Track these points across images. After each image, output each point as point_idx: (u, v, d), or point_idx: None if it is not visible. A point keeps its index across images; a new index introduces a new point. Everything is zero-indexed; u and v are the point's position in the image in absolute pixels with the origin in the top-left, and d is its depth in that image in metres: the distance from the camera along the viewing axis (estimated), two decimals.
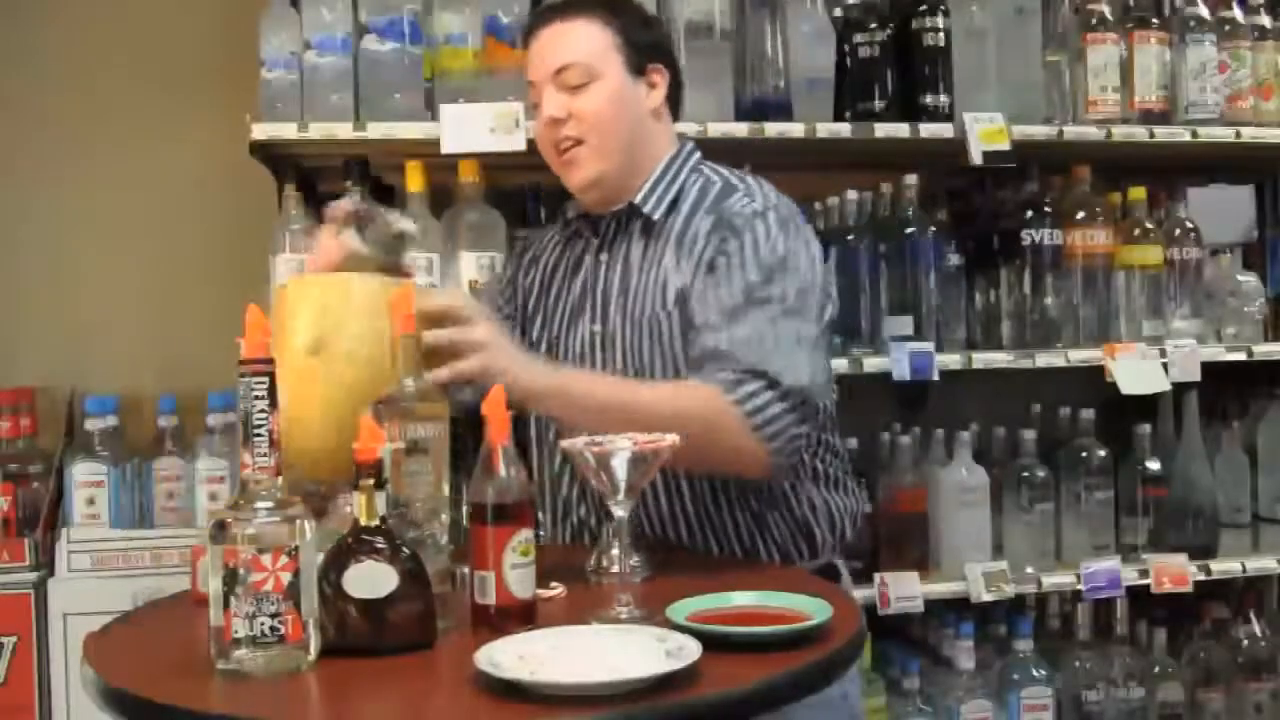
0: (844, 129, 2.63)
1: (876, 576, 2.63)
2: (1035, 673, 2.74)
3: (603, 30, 1.93)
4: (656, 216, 1.94)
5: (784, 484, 1.94)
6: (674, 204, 1.95)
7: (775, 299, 1.81)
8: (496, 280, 2.20)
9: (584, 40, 1.92)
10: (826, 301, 1.92)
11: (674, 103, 2.03)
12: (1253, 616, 2.96)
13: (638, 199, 1.95)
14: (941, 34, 2.67)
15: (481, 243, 2.51)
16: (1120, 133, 2.77)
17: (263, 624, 1.32)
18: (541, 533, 1.97)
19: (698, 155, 2.03)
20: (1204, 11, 2.88)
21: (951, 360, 2.65)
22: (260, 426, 1.35)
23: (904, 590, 2.61)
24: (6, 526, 2.58)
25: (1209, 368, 2.79)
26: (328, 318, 1.60)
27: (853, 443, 2.73)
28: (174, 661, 1.41)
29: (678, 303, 1.88)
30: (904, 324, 2.64)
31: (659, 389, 1.83)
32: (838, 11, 2.71)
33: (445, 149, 2.41)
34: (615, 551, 1.63)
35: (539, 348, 2.03)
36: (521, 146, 2.41)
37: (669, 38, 2.06)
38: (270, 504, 1.34)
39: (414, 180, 2.49)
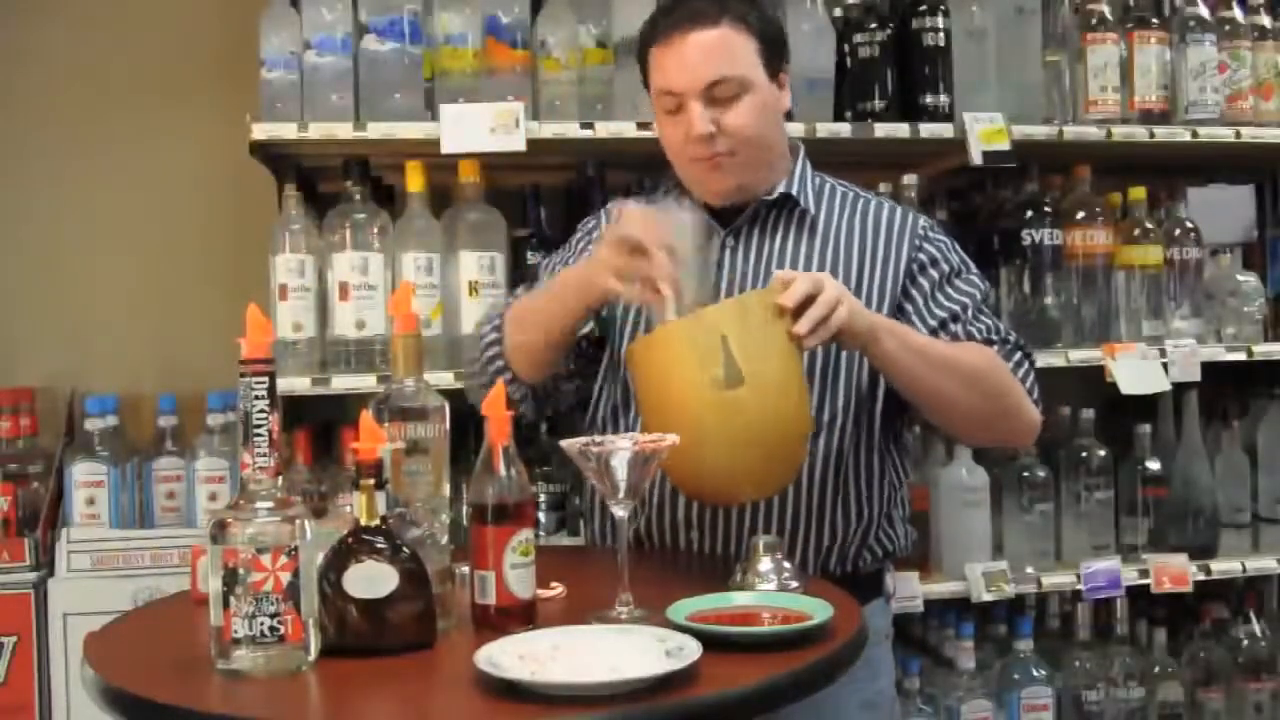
0: (844, 129, 2.63)
1: None
2: (1035, 673, 2.74)
3: (747, 38, 1.87)
4: (812, 209, 1.96)
5: (890, 484, 1.97)
6: (818, 201, 1.98)
7: (990, 301, 1.99)
8: (567, 250, 2.12)
9: (734, 51, 1.86)
10: None
11: None
12: (1253, 616, 2.96)
13: (793, 189, 1.96)
14: (941, 34, 2.67)
15: (481, 243, 2.52)
16: (1120, 133, 2.77)
17: (262, 624, 1.32)
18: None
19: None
20: (1204, 11, 2.88)
21: None
22: (260, 426, 1.35)
23: (904, 590, 2.60)
24: (6, 526, 2.58)
25: (1209, 368, 2.79)
26: (734, 347, 1.62)
27: None
28: (174, 661, 1.41)
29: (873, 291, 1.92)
30: None
31: (952, 344, 1.89)
32: (838, 11, 2.71)
33: (445, 149, 2.41)
34: (763, 567, 1.62)
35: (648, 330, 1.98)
36: (521, 146, 2.41)
37: (784, 31, 2.01)
38: (270, 504, 1.35)
39: (414, 180, 2.49)
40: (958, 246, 2.01)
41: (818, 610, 1.44)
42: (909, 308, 1.92)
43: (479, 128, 2.41)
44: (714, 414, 1.60)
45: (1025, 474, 2.78)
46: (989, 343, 1.91)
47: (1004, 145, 2.62)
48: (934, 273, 1.94)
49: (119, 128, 2.93)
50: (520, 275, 2.57)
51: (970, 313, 1.92)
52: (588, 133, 2.51)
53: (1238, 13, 2.92)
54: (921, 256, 1.95)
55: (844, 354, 1.88)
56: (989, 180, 2.87)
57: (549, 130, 2.49)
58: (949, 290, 1.94)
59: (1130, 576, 2.76)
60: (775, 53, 1.92)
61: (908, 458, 2.08)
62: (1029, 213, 2.76)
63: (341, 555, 1.40)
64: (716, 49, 1.86)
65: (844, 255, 1.94)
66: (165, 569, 2.51)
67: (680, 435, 1.56)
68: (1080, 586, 2.73)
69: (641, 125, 2.49)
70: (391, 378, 1.56)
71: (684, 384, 1.62)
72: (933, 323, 1.91)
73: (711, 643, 1.33)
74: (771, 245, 1.96)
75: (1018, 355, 1.92)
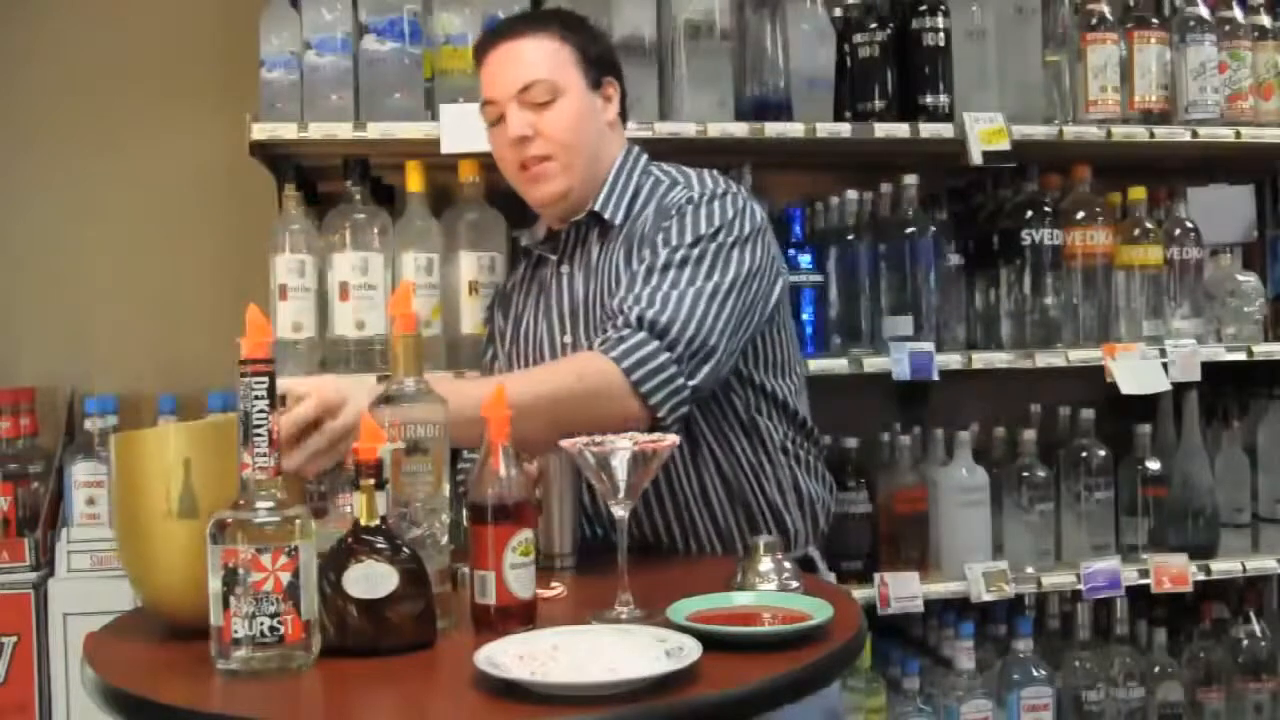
0: (844, 129, 2.63)
1: (876, 576, 2.62)
2: (1035, 673, 2.74)
3: (560, 46, 1.95)
4: (617, 220, 1.97)
5: (759, 467, 1.95)
6: (630, 206, 1.98)
7: (689, 261, 1.82)
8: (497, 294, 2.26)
9: (545, 56, 1.94)
10: (763, 261, 1.89)
11: (622, 112, 2.07)
12: (1253, 616, 2.96)
13: (597, 205, 1.98)
14: (941, 34, 2.67)
15: (481, 243, 2.52)
16: (1120, 133, 2.77)
17: (262, 624, 1.32)
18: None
19: (646, 157, 2.06)
20: (1204, 11, 2.88)
21: (951, 360, 2.65)
22: (260, 426, 1.35)
23: (904, 590, 2.61)
24: (6, 526, 2.58)
25: (1209, 368, 2.79)
26: (196, 475, 1.45)
27: (853, 443, 2.73)
28: (174, 661, 1.41)
29: None
30: (904, 324, 2.64)
31: (530, 373, 1.86)
32: (838, 11, 2.72)
33: (445, 149, 2.41)
34: (763, 567, 1.62)
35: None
36: None
37: (614, 50, 2.10)
38: (270, 504, 1.34)
39: (414, 180, 2.49)
40: (705, 217, 1.87)
41: (818, 610, 1.44)
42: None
43: (479, 128, 2.40)
44: (164, 544, 1.45)
45: (1025, 474, 2.77)
46: (611, 320, 1.80)
47: (1004, 145, 2.62)
48: (647, 257, 1.86)
49: (119, 127, 2.93)
50: None
51: (640, 277, 1.83)
52: None
53: (1238, 13, 2.92)
54: (658, 234, 1.88)
55: None
56: (989, 180, 2.87)
57: None
58: (639, 266, 1.85)
59: (1130, 576, 2.76)
60: (598, 65, 1.98)
61: (797, 440, 2.01)
62: (1029, 213, 2.76)
63: (341, 555, 1.40)
64: (529, 55, 1.94)
65: (621, 256, 1.93)
66: None
67: (131, 553, 1.50)
68: (1080, 586, 2.73)
69: (640, 125, 2.49)
70: (392, 378, 1.56)
71: (138, 501, 1.47)
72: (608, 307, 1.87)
73: (711, 643, 1.33)
74: (588, 260, 1.99)
75: (635, 338, 1.75)
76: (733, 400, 1.94)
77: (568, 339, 1.98)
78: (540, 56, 1.95)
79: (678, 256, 1.83)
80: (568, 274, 2.02)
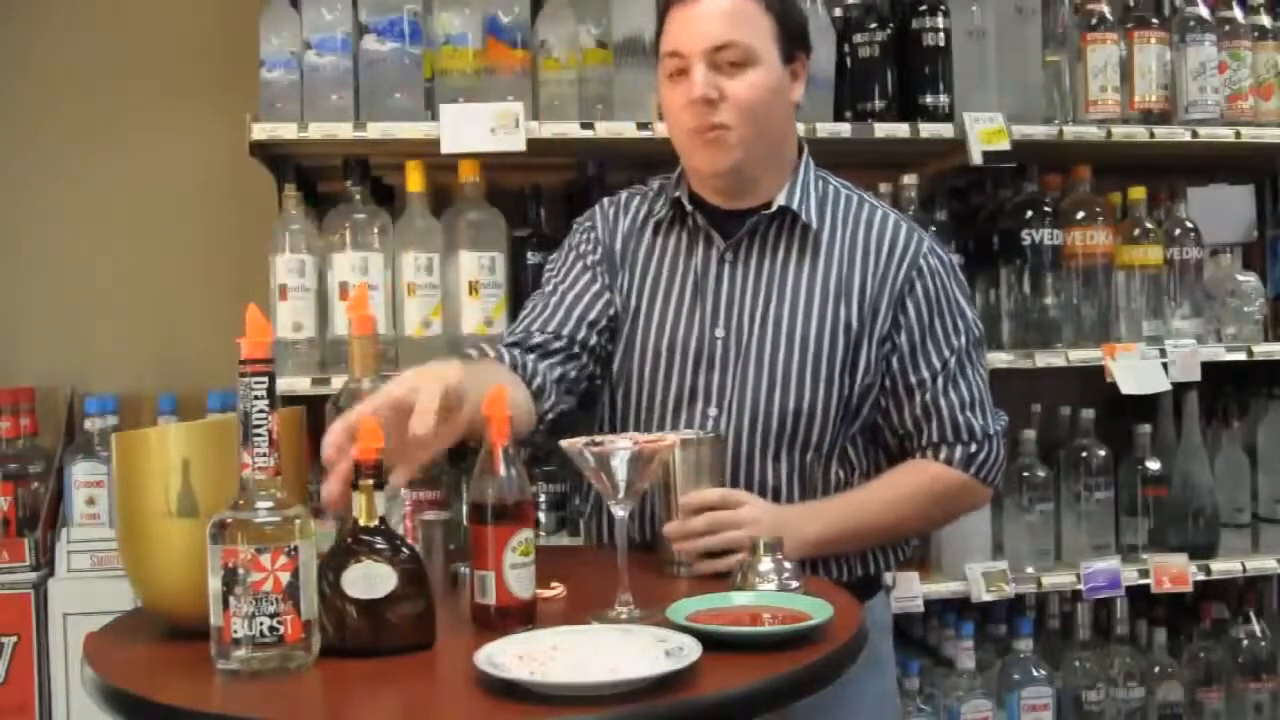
0: (844, 129, 2.63)
1: None
2: (1035, 673, 2.74)
3: (764, 13, 1.84)
4: (813, 222, 1.89)
5: None
6: (821, 212, 1.91)
7: (973, 350, 1.93)
8: (565, 251, 2.02)
9: (747, 20, 1.82)
10: None
11: None
12: (1253, 616, 2.96)
13: (794, 204, 1.89)
14: (941, 34, 2.67)
15: (481, 243, 2.52)
16: (1120, 133, 2.77)
17: (262, 624, 1.32)
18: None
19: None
20: (1204, 11, 2.88)
21: None
22: (260, 426, 1.34)
23: (904, 590, 2.61)
24: (6, 526, 2.58)
25: (1209, 368, 2.79)
26: (196, 475, 1.44)
27: None
28: (174, 661, 1.41)
29: (844, 326, 1.86)
30: None
31: (892, 490, 1.88)
32: (838, 11, 2.72)
33: (445, 149, 2.41)
34: (763, 567, 1.60)
35: (644, 351, 1.92)
36: (521, 147, 2.42)
37: (808, 26, 1.95)
38: (270, 504, 1.34)
39: (414, 180, 2.49)
40: (954, 268, 1.96)
41: (818, 610, 1.44)
42: (892, 360, 1.88)
43: (479, 128, 2.41)
44: (164, 544, 1.45)
45: (1025, 474, 2.78)
46: (945, 435, 1.88)
47: (1004, 145, 2.62)
48: (919, 321, 1.88)
49: (119, 127, 2.93)
50: (520, 275, 2.58)
51: (941, 382, 1.88)
52: (588, 133, 2.51)
53: (1238, 13, 2.92)
54: (917, 290, 1.88)
55: (807, 368, 1.84)
56: (989, 180, 2.87)
57: (549, 130, 2.49)
58: (929, 348, 1.88)
59: (1130, 576, 2.76)
60: (793, 39, 1.87)
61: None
62: (1029, 213, 2.76)
63: (340, 555, 1.40)
64: (729, 14, 1.82)
65: (844, 278, 1.87)
66: None
67: (131, 553, 1.49)
68: (1080, 586, 2.74)
69: (641, 125, 2.50)
70: (350, 377, 1.58)
71: (138, 500, 1.46)
72: (903, 386, 1.88)
73: (711, 643, 1.32)
74: (773, 264, 1.89)
75: (984, 453, 1.90)
76: (896, 433, 1.94)
77: (720, 333, 1.87)
78: (739, 19, 1.81)
79: (972, 346, 1.93)
80: (731, 263, 1.89)
